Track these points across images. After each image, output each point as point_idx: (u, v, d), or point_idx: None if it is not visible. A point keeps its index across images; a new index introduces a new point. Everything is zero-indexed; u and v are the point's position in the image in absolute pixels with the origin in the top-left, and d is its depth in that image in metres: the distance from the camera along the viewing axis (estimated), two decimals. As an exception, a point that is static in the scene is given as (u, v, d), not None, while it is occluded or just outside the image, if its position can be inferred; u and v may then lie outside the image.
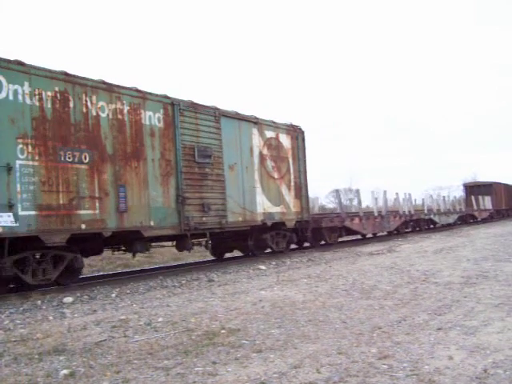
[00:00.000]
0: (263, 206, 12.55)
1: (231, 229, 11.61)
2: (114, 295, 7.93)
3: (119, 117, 9.13)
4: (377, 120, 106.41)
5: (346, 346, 4.37)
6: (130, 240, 9.60)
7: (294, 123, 14.54)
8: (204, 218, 10.64)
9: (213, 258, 14.03)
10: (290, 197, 13.75)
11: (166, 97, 10.14)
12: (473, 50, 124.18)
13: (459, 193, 40.31)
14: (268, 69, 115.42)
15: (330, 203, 44.30)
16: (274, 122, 13.54)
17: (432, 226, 24.93)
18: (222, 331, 5.07)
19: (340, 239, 17.09)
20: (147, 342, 4.81)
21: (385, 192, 21.05)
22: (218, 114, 11.36)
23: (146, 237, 9.47)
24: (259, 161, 12.67)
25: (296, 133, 14.41)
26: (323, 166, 66.74)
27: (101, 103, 8.83)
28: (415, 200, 26.47)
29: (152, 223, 9.46)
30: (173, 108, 10.22)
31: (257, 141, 12.64)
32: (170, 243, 11.20)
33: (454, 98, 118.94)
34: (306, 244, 16.10)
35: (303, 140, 14.76)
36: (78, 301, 7.55)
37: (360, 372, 3.64)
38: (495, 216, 35.34)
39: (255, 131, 12.61)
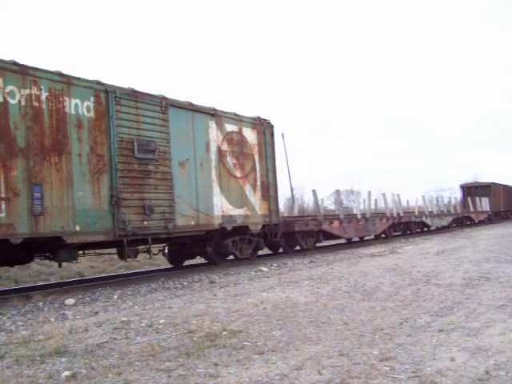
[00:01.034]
0: (222, 209, 11.18)
1: (181, 234, 10.24)
2: (115, 297, 7.94)
3: (35, 104, 7.79)
4: (377, 120, 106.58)
5: (347, 347, 4.37)
6: (54, 247, 8.41)
7: (261, 116, 13.08)
8: (145, 222, 9.29)
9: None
10: (255, 198, 12.35)
11: (98, 83, 8.80)
12: (473, 50, 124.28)
13: (460, 194, 39.78)
14: (266, 69, 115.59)
15: (331, 205, 44.29)
16: (237, 115, 12.09)
17: (426, 229, 24.07)
18: (224, 333, 5.07)
19: (322, 244, 16.16)
20: (149, 343, 4.81)
21: (369, 193, 19.88)
22: (165, 104, 9.97)
23: (71, 244, 8.24)
24: (217, 157, 11.26)
25: (263, 127, 12.95)
26: (324, 167, 66.70)
27: (10, 88, 7.52)
28: (407, 201, 25.52)
29: (77, 228, 8.14)
30: (107, 96, 8.86)
31: (214, 135, 11.24)
32: (110, 250, 9.99)
33: (454, 99, 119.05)
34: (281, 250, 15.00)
35: (272, 135, 13.29)
36: (80, 302, 7.57)
37: (362, 374, 3.64)
38: (493, 218, 34.48)
39: (212, 124, 11.21)
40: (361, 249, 15.71)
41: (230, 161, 11.71)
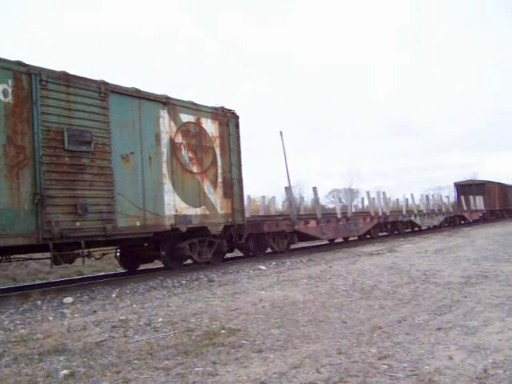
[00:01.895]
0: (175, 208, 10.01)
1: (124, 236, 9.06)
2: (113, 295, 7.94)
3: None
4: (377, 119, 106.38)
5: (346, 346, 4.38)
6: None
7: (225, 106, 11.85)
8: (78, 223, 8.14)
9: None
10: (216, 196, 11.14)
11: (18, 63, 7.71)
12: (474, 50, 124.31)
13: (454, 192, 37.77)
14: (266, 68, 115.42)
15: (330, 203, 44.38)
16: (195, 104, 10.85)
17: (417, 229, 22.83)
18: (222, 331, 5.07)
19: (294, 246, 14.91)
20: (147, 342, 4.82)
21: (350, 190, 19.52)
22: (104, 90, 8.77)
23: None
24: (170, 151, 10.04)
25: (226, 118, 11.67)
26: (324, 166, 66.65)
27: None
28: (397, 200, 23.91)
29: None
30: (30, 79, 7.75)
31: (167, 126, 10.03)
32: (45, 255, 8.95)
33: (454, 99, 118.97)
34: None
35: (237, 127, 12.00)
36: (78, 301, 7.56)
37: (360, 372, 3.65)
38: (488, 217, 33.18)
39: (164, 114, 10.01)
40: (359, 247, 15.73)
41: (186, 154, 10.46)
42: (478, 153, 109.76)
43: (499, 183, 38.68)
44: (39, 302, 7.42)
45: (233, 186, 11.73)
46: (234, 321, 5.58)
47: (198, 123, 10.89)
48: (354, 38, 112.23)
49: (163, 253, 10.37)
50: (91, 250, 8.95)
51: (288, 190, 15.11)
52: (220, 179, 11.38)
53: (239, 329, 5.17)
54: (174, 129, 10.25)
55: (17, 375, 3.92)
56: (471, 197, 30.95)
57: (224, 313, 6.05)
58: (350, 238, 18.59)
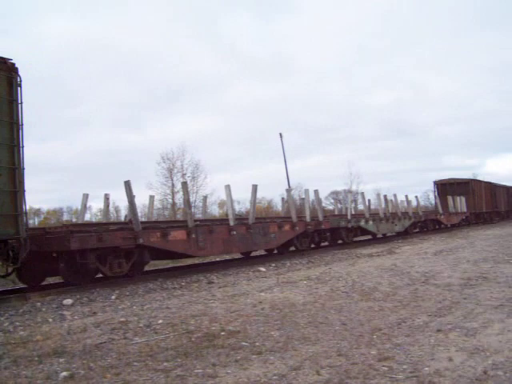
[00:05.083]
0: None
1: None
2: (113, 297, 7.93)
3: None
4: (378, 121, 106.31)
5: (345, 347, 4.37)
6: None
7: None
8: None
9: (214, 260, 13.95)
10: None
11: None
12: (473, 50, 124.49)
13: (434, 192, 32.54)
14: (268, 73, 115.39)
15: (329, 205, 44.40)
16: None
17: (380, 236, 19.28)
18: (222, 333, 5.07)
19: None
20: (147, 343, 4.81)
21: (254, 187, 13.17)
22: None
23: None
24: None
25: None
26: (323, 168, 66.62)
27: None
28: (369, 201, 20.05)
29: None
30: None
31: None
32: None
33: (453, 100, 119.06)
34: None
35: (11, 85, 7.49)
36: (78, 303, 7.56)
37: (360, 374, 3.64)
38: (473, 221, 29.06)
39: None
40: (359, 249, 15.73)
41: None
42: (480, 154, 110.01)
43: (487, 182, 34.53)
44: (39, 304, 7.42)
45: None
46: (234, 323, 5.57)
47: None
48: (353, 39, 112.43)
49: None
50: None
51: (126, 183, 10.02)
52: None
53: (239, 331, 5.16)
54: None
55: (16, 377, 3.91)
56: (450, 197, 26.76)
57: (224, 314, 6.05)
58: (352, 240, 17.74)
